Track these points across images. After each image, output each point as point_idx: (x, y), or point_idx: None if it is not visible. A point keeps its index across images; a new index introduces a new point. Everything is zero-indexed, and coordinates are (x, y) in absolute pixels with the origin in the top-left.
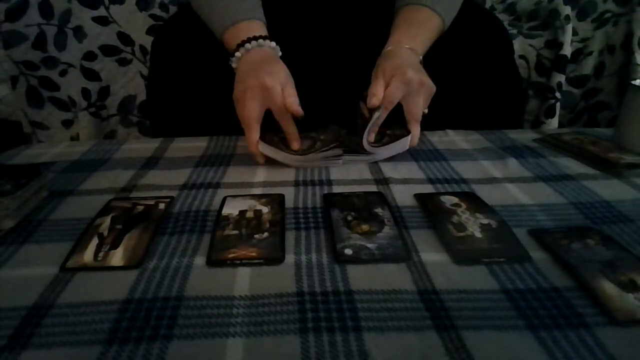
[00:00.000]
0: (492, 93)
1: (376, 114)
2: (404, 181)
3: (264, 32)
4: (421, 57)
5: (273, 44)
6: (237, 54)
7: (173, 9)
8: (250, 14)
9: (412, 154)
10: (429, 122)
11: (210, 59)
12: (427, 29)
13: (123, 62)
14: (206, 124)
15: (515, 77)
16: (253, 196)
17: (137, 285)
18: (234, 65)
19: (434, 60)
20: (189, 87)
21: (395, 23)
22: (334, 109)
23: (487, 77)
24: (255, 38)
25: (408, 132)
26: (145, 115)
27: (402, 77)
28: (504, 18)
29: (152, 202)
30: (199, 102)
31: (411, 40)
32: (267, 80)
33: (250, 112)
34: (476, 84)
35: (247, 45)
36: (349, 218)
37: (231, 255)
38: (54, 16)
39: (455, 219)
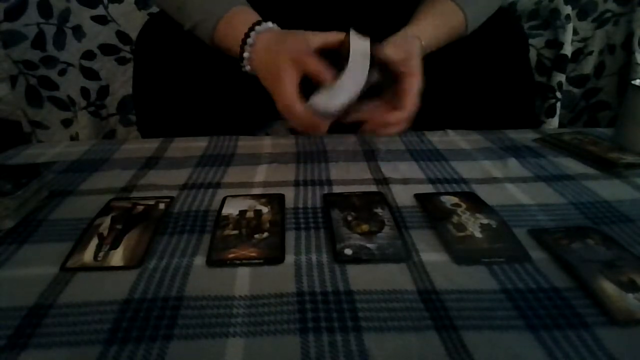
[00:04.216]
0: (506, 90)
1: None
2: (404, 181)
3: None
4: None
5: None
6: (245, 54)
7: None
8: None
9: (412, 154)
10: (441, 118)
11: (194, 55)
12: (445, 25)
13: (122, 61)
14: (193, 122)
15: (529, 75)
16: (253, 196)
17: (137, 285)
18: (247, 67)
19: (446, 56)
20: (173, 84)
21: (416, 12)
22: None
23: (501, 73)
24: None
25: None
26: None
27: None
28: None
29: (152, 202)
30: (185, 100)
31: (422, 32)
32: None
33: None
34: (489, 80)
35: (249, 40)
36: (349, 218)
37: (231, 255)
38: (52, 15)
39: (455, 219)
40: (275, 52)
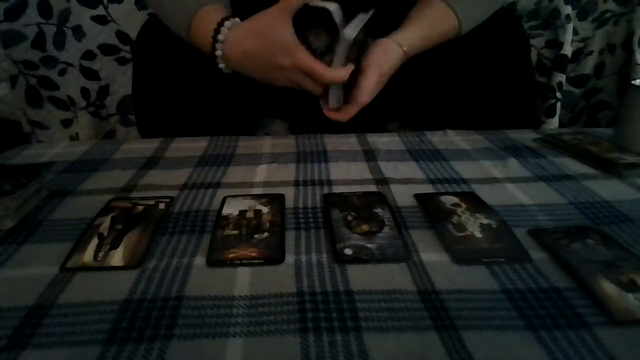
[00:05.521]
0: (506, 90)
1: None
2: (404, 181)
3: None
4: (406, 50)
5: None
6: (218, 52)
7: None
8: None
9: (412, 154)
10: (441, 118)
11: (193, 55)
12: (433, 29)
13: (122, 61)
14: (193, 122)
15: (530, 75)
16: (253, 196)
17: (137, 285)
18: (222, 65)
19: (447, 56)
20: (173, 84)
21: (407, 16)
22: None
23: (502, 73)
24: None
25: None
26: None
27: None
28: None
29: (152, 202)
30: (184, 100)
31: (407, 38)
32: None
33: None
34: (490, 80)
35: (220, 37)
36: (349, 218)
37: (231, 255)
38: (52, 15)
39: (455, 219)
40: (263, 37)
